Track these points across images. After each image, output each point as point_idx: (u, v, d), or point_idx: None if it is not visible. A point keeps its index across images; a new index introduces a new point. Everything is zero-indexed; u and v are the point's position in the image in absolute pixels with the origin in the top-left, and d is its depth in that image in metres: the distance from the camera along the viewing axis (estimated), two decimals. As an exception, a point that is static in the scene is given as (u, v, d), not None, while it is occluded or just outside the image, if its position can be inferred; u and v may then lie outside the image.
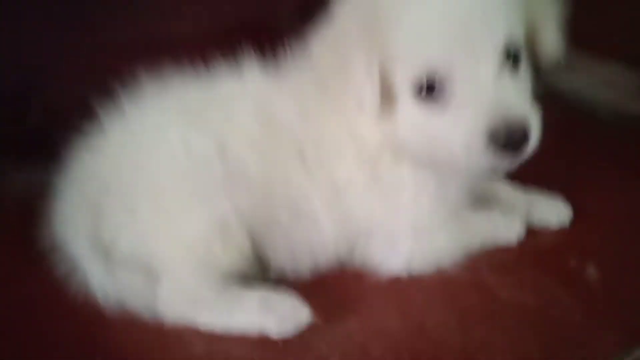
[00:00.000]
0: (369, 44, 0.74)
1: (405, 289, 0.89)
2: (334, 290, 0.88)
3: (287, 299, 0.80)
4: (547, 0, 0.80)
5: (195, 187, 0.82)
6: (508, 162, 0.75)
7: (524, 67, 0.78)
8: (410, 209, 0.86)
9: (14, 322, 0.82)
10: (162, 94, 0.89)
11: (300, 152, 0.85)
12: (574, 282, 0.92)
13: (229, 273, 0.82)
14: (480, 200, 1.00)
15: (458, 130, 0.74)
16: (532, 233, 1.00)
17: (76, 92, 0.95)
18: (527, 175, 0.97)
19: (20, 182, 1.04)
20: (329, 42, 0.80)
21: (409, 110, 0.77)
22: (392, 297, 0.88)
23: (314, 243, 0.87)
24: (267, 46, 0.93)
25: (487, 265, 0.94)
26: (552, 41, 0.81)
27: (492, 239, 0.94)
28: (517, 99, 0.74)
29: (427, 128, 0.77)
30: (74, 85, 1.05)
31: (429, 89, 0.74)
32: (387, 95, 0.77)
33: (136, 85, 0.90)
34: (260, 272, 0.86)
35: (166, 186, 0.83)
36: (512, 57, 0.75)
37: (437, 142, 0.77)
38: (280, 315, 0.78)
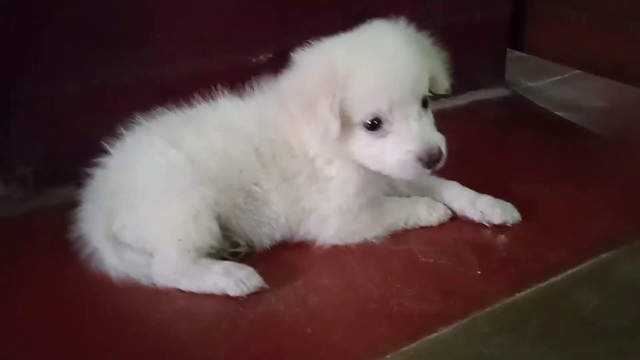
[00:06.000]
0: (332, 92, 1.06)
1: (344, 257, 1.14)
2: (285, 260, 1.14)
3: (244, 268, 1.06)
4: (439, 60, 1.17)
5: (172, 187, 1.09)
6: (428, 173, 1.09)
7: (429, 106, 1.13)
8: (337, 196, 1.14)
9: (54, 292, 1.09)
10: (151, 122, 1.19)
11: (256, 150, 1.14)
12: (484, 247, 1.15)
13: (203, 249, 1.08)
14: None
15: (395, 152, 1.07)
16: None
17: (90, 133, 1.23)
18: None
19: (58, 197, 1.35)
20: (295, 86, 1.11)
21: (361, 136, 1.10)
22: (332, 263, 1.13)
23: (268, 219, 1.14)
24: (243, 82, 1.22)
25: (415, 238, 1.18)
26: (444, 83, 1.17)
27: (412, 220, 1.20)
28: (432, 132, 1.09)
29: (372, 148, 1.10)
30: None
31: (375, 124, 1.07)
32: (343, 124, 1.08)
33: (133, 119, 1.20)
34: (229, 248, 1.12)
35: (153, 188, 1.11)
36: (424, 102, 1.10)
37: (378, 158, 1.10)
38: (238, 279, 1.04)
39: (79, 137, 1.20)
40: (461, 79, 1.84)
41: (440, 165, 1.07)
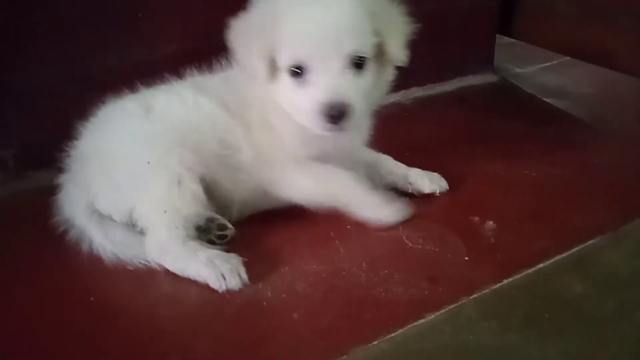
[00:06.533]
0: (264, 39, 1.07)
1: (330, 243, 1.13)
2: (272, 246, 1.13)
3: (230, 261, 1.04)
4: (395, 28, 1.10)
5: (151, 156, 1.09)
6: (332, 129, 1.06)
7: (370, 71, 1.09)
8: (286, 145, 1.16)
9: (35, 277, 1.08)
10: (125, 97, 1.19)
11: (225, 104, 1.17)
12: (472, 233, 1.15)
13: (190, 219, 1.07)
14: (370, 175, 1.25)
15: (306, 101, 1.07)
16: (447, 197, 1.25)
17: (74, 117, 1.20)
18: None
19: (38, 181, 1.33)
20: (239, 27, 1.11)
21: (285, 82, 1.10)
22: (319, 249, 1.12)
23: (241, 165, 1.15)
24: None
25: (403, 223, 1.17)
26: (397, 53, 1.11)
27: (355, 201, 1.15)
28: (347, 90, 1.05)
29: (293, 96, 1.10)
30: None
31: (298, 72, 1.07)
32: (274, 71, 1.09)
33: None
34: (216, 231, 1.11)
35: (129, 157, 1.10)
36: (357, 64, 1.06)
37: (296, 107, 1.10)
38: (220, 273, 1.02)
39: (63, 121, 1.18)
40: (449, 64, 1.88)
41: (347, 123, 1.04)
